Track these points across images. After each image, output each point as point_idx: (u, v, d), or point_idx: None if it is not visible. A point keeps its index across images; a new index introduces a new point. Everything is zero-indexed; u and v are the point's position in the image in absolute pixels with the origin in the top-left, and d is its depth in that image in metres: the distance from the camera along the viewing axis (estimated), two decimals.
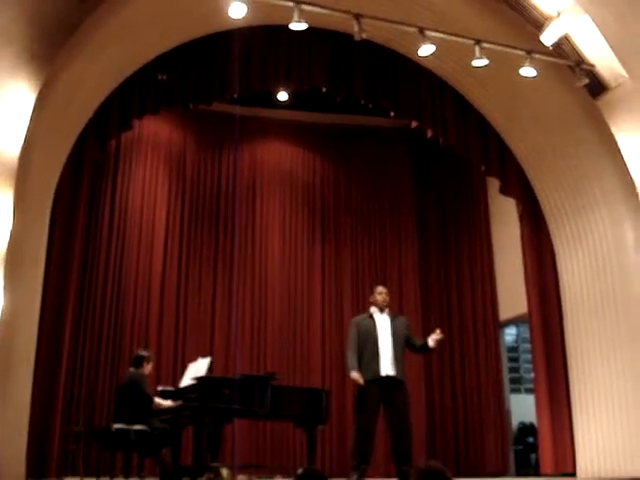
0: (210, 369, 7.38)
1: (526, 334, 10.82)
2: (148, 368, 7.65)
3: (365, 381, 7.00)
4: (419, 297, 11.73)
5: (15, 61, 6.30)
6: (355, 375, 7.04)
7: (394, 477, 7.20)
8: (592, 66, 7.70)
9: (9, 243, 6.03)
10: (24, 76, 6.32)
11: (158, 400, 7.46)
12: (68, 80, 6.96)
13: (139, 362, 7.59)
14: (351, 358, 7.18)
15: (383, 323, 7.32)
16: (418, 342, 7.50)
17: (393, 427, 7.09)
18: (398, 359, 7.19)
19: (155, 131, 10.94)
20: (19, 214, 6.19)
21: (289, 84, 9.34)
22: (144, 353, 7.78)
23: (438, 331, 7.32)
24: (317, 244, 11.69)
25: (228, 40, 8.43)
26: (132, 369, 7.58)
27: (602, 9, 7.39)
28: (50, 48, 6.51)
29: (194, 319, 10.67)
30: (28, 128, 6.31)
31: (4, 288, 5.93)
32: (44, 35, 6.45)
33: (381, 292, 7.50)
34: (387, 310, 7.44)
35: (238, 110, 10.99)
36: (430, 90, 9.30)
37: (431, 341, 7.29)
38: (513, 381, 11.78)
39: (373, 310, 7.43)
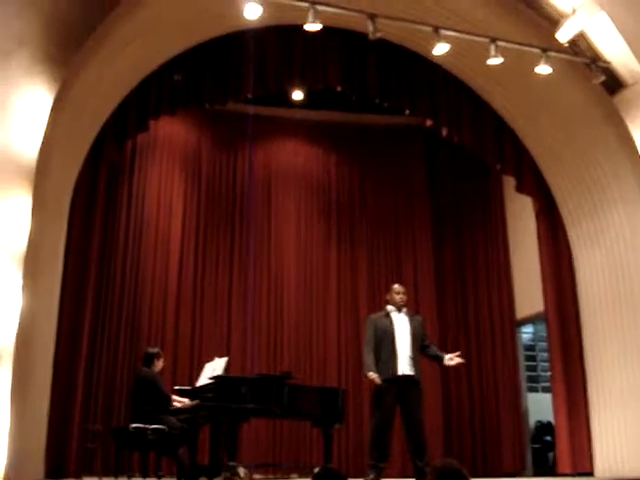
0: (226, 369, 7.41)
1: (543, 332, 10.77)
2: (159, 365, 7.68)
3: (382, 380, 7.01)
4: (435, 296, 11.69)
5: (32, 63, 6.35)
6: (372, 375, 7.04)
7: (411, 476, 7.21)
8: (608, 63, 7.67)
9: (28, 244, 6.08)
10: (41, 78, 6.37)
11: (176, 399, 7.49)
12: (85, 82, 7.00)
13: (149, 360, 7.62)
14: (368, 357, 7.17)
15: (401, 322, 7.31)
16: (433, 350, 7.45)
17: (408, 425, 7.10)
18: (415, 358, 7.19)
19: (170, 131, 10.98)
20: (37, 215, 6.23)
21: (304, 84, 9.36)
22: (153, 350, 7.80)
23: (458, 353, 7.31)
24: (332, 243, 11.69)
25: (243, 40, 8.47)
26: (144, 368, 7.61)
27: (618, 5, 7.35)
28: (67, 50, 6.56)
29: (210, 318, 10.70)
30: (46, 130, 6.35)
31: (23, 288, 5.99)
32: (61, 37, 6.50)
33: (399, 291, 7.47)
34: (405, 309, 7.44)
35: (252, 110, 11.03)
36: (445, 88, 9.29)
37: (449, 360, 7.27)
38: (530, 380, 11.74)
39: (390, 309, 7.42)
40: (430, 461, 6.82)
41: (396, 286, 7.58)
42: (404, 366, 7.11)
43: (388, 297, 7.52)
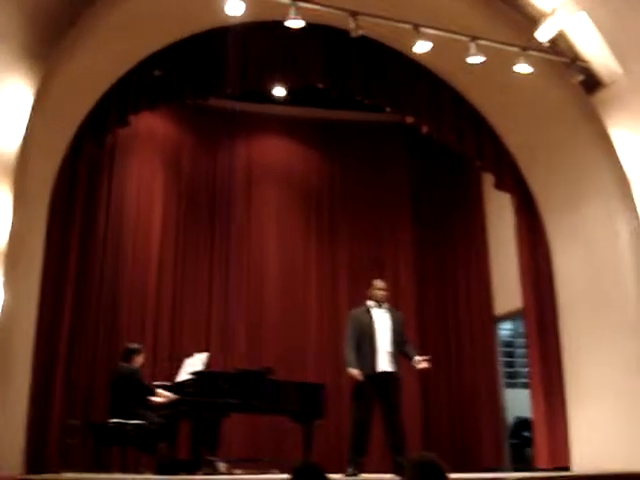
0: (206, 364, 7.43)
1: (522, 329, 10.86)
2: (139, 360, 7.69)
3: (362, 376, 7.05)
4: (415, 292, 11.74)
5: (12, 58, 6.32)
6: (353, 371, 7.08)
7: (390, 471, 7.26)
8: (587, 62, 7.74)
9: (9, 240, 6.07)
10: (21, 73, 6.34)
11: (160, 392, 7.49)
12: (65, 77, 6.98)
13: (129, 355, 7.64)
14: (349, 353, 7.21)
15: (381, 318, 7.34)
16: (406, 347, 7.47)
17: (387, 421, 7.15)
18: (395, 354, 7.23)
19: (151, 126, 10.94)
20: (18, 211, 6.22)
21: (285, 81, 9.39)
22: (133, 346, 7.82)
23: (429, 357, 7.34)
24: (313, 239, 11.72)
25: (224, 36, 8.44)
26: (123, 363, 7.61)
27: (597, 5, 7.42)
28: (47, 45, 6.54)
29: (190, 314, 10.70)
30: (26, 125, 6.34)
31: (4, 284, 5.97)
32: (41, 31, 6.47)
33: (380, 287, 7.50)
34: (385, 305, 7.47)
35: (233, 105, 11.06)
36: (426, 86, 9.32)
37: (418, 363, 7.30)
38: (509, 376, 11.83)
39: (370, 304, 7.45)
40: (409, 455, 6.89)
41: (377, 281, 7.61)
42: (384, 362, 7.15)
43: (369, 292, 7.55)
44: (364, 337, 7.23)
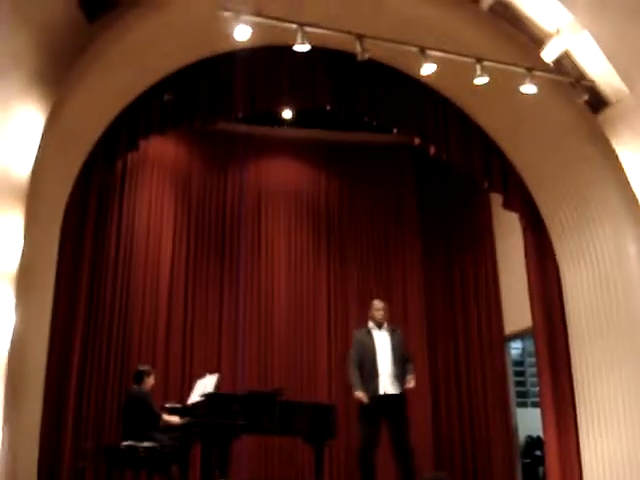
0: (217, 385, 7.45)
1: (532, 348, 10.84)
2: (150, 382, 7.72)
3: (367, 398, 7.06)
4: (424, 311, 11.75)
5: (25, 84, 6.40)
6: (359, 394, 7.08)
7: None
8: (592, 82, 7.79)
9: (20, 263, 6.13)
10: (34, 99, 6.43)
11: (166, 417, 7.52)
12: (77, 102, 7.08)
13: (140, 377, 7.68)
14: (353, 375, 7.22)
15: (382, 339, 7.34)
16: (407, 368, 7.43)
17: (394, 443, 7.14)
18: (397, 375, 7.21)
19: (161, 150, 11.04)
20: (30, 235, 6.29)
21: (293, 103, 9.44)
22: (144, 367, 7.87)
23: (412, 377, 7.31)
24: (322, 261, 11.75)
25: (232, 61, 8.53)
26: (135, 386, 7.65)
27: (602, 25, 7.47)
28: (59, 70, 6.63)
29: (201, 335, 10.73)
30: (38, 150, 6.42)
31: (16, 307, 6.03)
32: (53, 57, 6.56)
33: (378, 308, 7.49)
34: (386, 325, 7.46)
35: (242, 128, 11.15)
36: (433, 107, 9.37)
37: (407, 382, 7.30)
38: (519, 395, 11.79)
39: (371, 326, 7.46)
40: (419, 475, 6.89)
41: (376, 302, 7.60)
42: (386, 385, 7.15)
43: (369, 313, 7.56)
44: (366, 359, 7.23)
